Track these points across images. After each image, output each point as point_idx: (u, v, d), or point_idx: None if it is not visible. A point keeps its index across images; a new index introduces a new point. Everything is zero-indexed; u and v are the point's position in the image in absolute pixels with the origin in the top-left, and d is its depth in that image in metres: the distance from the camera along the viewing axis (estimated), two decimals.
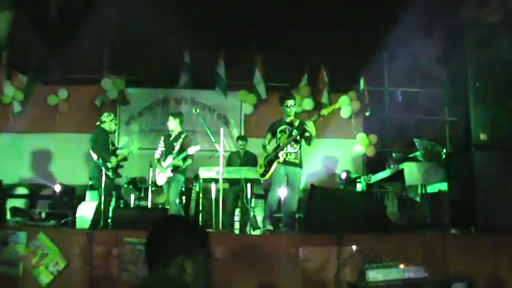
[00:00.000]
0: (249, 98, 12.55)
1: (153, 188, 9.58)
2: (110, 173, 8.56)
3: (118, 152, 9.18)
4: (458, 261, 5.37)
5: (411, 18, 9.95)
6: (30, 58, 11.92)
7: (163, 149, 9.03)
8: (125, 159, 9.03)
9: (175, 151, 8.80)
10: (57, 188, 10.99)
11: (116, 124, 9.20)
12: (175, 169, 8.76)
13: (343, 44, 10.87)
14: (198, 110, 9.91)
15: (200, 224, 8.63)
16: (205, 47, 11.68)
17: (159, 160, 9.00)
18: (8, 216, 8.96)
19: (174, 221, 2.87)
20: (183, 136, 8.99)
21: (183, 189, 9.65)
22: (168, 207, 8.77)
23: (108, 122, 8.90)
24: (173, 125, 9.08)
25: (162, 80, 12.45)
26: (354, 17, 10.78)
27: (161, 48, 11.09)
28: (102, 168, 8.43)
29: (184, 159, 8.78)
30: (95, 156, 8.58)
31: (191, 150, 8.68)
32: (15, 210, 9.38)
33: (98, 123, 8.96)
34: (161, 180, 8.90)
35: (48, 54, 11.53)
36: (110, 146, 8.88)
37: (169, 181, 8.77)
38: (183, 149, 8.79)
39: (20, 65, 12.08)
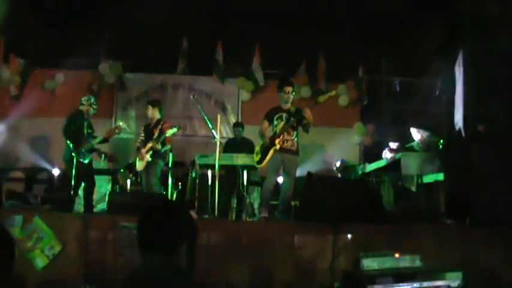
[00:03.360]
0: (247, 84, 12.54)
1: None
2: (80, 158, 8.47)
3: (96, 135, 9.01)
4: (452, 252, 5.39)
5: (410, 8, 9.93)
6: (28, 42, 11.86)
7: (143, 137, 9.08)
8: (103, 141, 8.96)
9: (154, 137, 8.85)
10: (53, 172, 11.00)
11: (94, 109, 8.97)
12: (154, 154, 8.82)
13: (342, 32, 10.83)
14: (195, 96, 9.88)
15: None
16: (203, 33, 11.64)
17: (139, 148, 9.04)
18: (4, 199, 8.98)
19: (170, 207, 2.86)
20: (161, 122, 9.05)
21: (179, 175, 9.71)
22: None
23: (86, 105, 8.81)
24: (152, 112, 9.16)
25: (160, 65, 12.40)
26: (353, 5, 10.75)
27: (159, 34, 11.06)
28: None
29: (163, 143, 8.81)
30: (66, 140, 8.52)
31: (169, 132, 8.73)
32: (11, 194, 9.37)
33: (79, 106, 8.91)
34: (140, 166, 8.95)
35: (46, 39, 11.48)
36: (86, 130, 8.72)
37: (148, 166, 8.82)
38: (161, 134, 8.87)
39: (17, 49, 12.02)
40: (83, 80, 12.23)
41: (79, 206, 8.74)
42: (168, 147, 8.97)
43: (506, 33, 6.73)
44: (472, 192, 6.24)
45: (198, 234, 2.68)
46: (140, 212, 2.68)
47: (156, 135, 8.84)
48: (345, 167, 11.01)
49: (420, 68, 11.74)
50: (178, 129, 8.85)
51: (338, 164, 11.16)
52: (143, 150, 8.86)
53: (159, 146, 8.76)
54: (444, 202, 7.28)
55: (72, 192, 8.17)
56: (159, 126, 8.94)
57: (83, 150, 8.48)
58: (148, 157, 8.79)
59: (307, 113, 7.53)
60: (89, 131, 8.82)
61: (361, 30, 10.94)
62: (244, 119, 12.22)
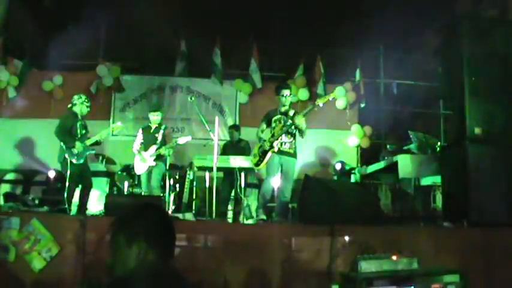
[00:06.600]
0: (245, 87, 12.54)
1: None
2: (73, 159, 8.36)
3: (90, 136, 8.86)
4: (450, 254, 5.39)
5: (408, 10, 9.94)
6: (26, 43, 11.87)
7: (142, 140, 9.14)
8: (96, 143, 8.86)
9: (158, 141, 9.02)
10: (51, 174, 10.95)
11: (87, 107, 8.76)
12: (158, 158, 8.97)
13: (340, 35, 10.85)
14: (193, 99, 9.88)
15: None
16: (201, 35, 11.65)
17: (139, 151, 9.07)
18: (1, 201, 8.96)
19: (142, 208, 2.87)
20: (163, 127, 9.24)
21: (177, 177, 9.75)
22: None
23: (79, 104, 8.62)
24: (156, 118, 9.30)
25: (158, 67, 12.40)
26: (351, 7, 10.77)
27: (157, 36, 11.07)
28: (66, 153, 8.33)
29: (169, 149, 8.88)
30: (59, 141, 8.43)
31: (182, 140, 8.86)
32: (8, 196, 9.34)
33: (69, 106, 8.75)
34: (141, 169, 8.99)
35: (44, 40, 11.48)
36: (80, 131, 8.58)
37: (150, 170, 8.91)
38: (165, 139, 9.08)
39: (15, 50, 12.01)
40: (81, 82, 12.19)
41: (75, 207, 8.70)
42: (171, 151, 9.01)
43: (503, 34, 6.74)
44: (470, 194, 6.24)
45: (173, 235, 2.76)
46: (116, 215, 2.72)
47: (159, 140, 8.91)
48: (343, 169, 11.02)
49: (418, 71, 11.78)
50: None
51: (339, 166, 11.15)
52: (145, 154, 8.90)
53: (165, 152, 8.83)
54: (442, 204, 7.27)
55: (66, 193, 8.12)
56: (161, 131, 9.01)
57: (76, 151, 8.39)
58: (151, 161, 8.84)
59: (299, 121, 7.55)
60: (83, 131, 8.70)
61: (359, 33, 10.94)
62: (242, 121, 12.24)
